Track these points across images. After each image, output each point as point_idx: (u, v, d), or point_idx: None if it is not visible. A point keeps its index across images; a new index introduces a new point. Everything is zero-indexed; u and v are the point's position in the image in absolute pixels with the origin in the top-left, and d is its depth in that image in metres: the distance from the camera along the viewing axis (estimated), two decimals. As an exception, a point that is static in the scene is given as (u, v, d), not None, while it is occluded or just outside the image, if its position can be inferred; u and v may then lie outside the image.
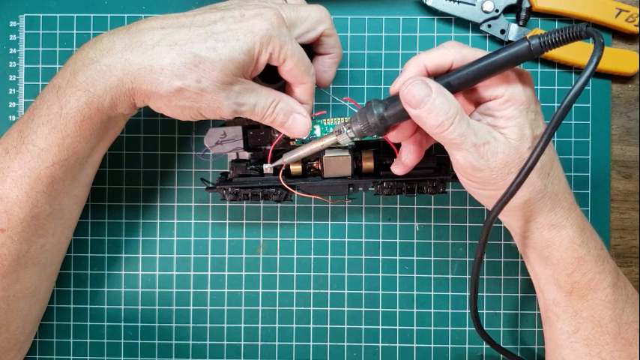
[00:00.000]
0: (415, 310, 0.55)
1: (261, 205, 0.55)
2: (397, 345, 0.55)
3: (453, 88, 0.40)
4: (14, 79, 0.54)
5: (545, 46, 0.39)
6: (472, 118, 0.41)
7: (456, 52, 0.41)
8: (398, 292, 0.55)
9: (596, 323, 0.44)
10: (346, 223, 0.55)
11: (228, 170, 0.54)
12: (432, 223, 0.55)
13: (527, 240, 0.44)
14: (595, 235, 0.45)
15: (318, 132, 0.49)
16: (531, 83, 0.41)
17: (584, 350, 0.45)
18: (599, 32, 0.37)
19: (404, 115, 0.41)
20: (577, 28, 0.37)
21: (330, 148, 0.48)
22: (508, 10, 0.53)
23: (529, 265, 0.46)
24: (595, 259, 0.43)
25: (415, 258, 0.55)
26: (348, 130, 0.44)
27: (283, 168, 0.49)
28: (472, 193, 0.44)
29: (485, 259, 0.54)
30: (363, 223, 0.55)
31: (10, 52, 0.54)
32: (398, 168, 0.46)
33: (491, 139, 0.40)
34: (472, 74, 0.40)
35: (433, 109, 0.39)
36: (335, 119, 0.50)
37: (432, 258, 0.55)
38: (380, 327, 0.55)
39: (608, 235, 0.54)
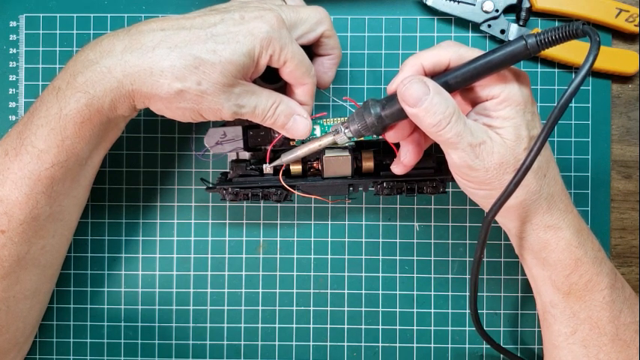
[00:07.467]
0: (415, 310, 0.55)
1: (261, 205, 0.55)
2: (397, 345, 0.55)
3: (450, 87, 0.40)
4: (14, 79, 0.54)
5: (542, 45, 0.38)
6: (469, 117, 0.41)
7: (453, 52, 0.41)
8: (398, 292, 0.55)
9: (593, 325, 0.44)
10: (346, 223, 0.55)
11: (228, 170, 0.54)
12: (432, 223, 0.55)
13: (524, 242, 0.44)
14: (592, 236, 0.44)
15: (318, 132, 0.49)
16: (528, 84, 0.41)
17: (581, 352, 0.44)
18: (595, 30, 0.37)
19: (401, 115, 0.41)
20: (573, 26, 0.37)
21: (330, 147, 0.48)
22: (508, 10, 0.53)
23: (526, 268, 0.46)
24: (592, 261, 0.43)
25: (415, 258, 0.55)
26: (346, 130, 0.44)
27: (283, 168, 0.49)
28: (467, 192, 0.44)
29: (485, 259, 0.54)
30: (363, 223, 0.55)
31: (10, 52, 0.54)
32: (398, 168, 0.46)
33: (487, 139, 0.39)
34: (469, 73, 0.40)
35: (430, 108, 0.39)
36: (335, 119, 0.50)
37: (432, 258, 0.55)
38: (380, 327, 0.55)
39: (608, 235, 0.54)
